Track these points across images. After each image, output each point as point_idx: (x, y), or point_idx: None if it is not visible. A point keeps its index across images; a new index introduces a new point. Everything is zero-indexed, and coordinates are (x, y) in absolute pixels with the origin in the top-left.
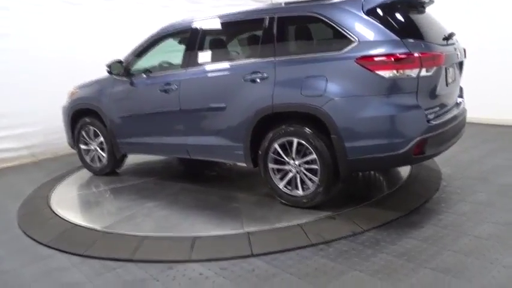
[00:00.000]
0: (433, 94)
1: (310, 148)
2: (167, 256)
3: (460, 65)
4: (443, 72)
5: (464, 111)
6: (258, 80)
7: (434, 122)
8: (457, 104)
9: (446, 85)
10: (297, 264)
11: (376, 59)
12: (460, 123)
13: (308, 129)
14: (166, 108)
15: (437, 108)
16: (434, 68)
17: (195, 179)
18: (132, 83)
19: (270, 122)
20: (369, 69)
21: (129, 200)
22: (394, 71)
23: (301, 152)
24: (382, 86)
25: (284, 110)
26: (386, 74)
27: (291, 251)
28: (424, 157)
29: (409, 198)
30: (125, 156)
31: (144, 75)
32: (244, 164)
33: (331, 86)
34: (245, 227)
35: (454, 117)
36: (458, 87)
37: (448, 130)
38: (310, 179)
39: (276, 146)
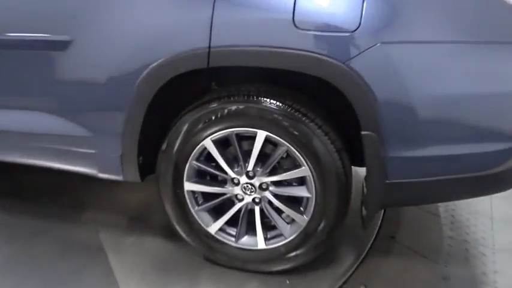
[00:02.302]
0: None
1: (295, 152)
2: None
3: None
4: None
5: None
6: None
7: None
8: None
9: None
10: None
11: None
12: None
13: (294, 109)
14: None
15: None
16: None
17: None
18: None
19: (192, 86)
20: None
21: None
22: None
23: (269, 159)
24: (496, 24)
25: (241, 64)
26: None
27: None
28: None
29: (412, 230)
30: None
31: None
32: (118, 178)
33: (372, 12)
34: None
35: None
36: None
37: None
38: (280, 215)
39: (208, 142)
